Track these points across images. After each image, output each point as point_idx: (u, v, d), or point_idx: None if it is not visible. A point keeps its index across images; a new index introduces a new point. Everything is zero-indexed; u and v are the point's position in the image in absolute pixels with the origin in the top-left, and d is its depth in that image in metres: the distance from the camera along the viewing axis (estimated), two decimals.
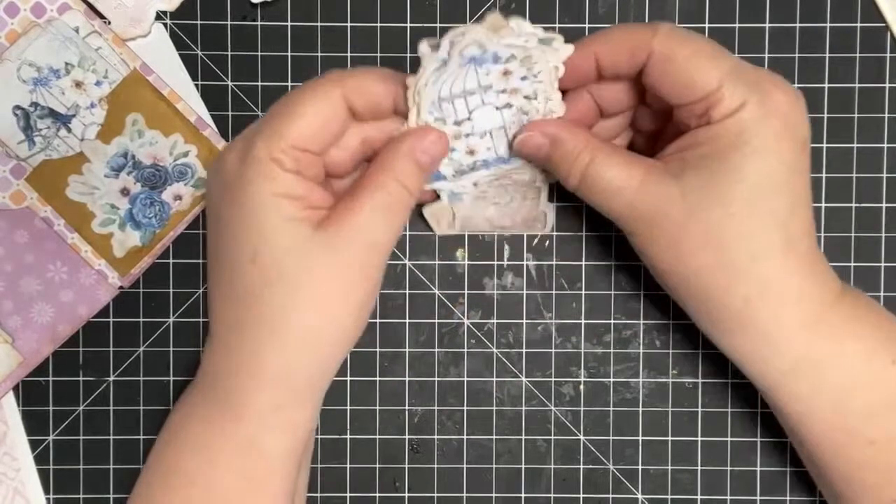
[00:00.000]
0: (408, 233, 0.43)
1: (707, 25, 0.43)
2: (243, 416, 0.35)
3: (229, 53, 0.43)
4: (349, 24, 0.43)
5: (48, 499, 0.43)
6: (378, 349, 0.44)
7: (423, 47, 0.34)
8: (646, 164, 0.36)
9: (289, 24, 0.43)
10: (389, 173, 0.35)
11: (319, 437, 0.44)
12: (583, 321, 0.44)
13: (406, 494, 0.44)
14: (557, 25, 0.43)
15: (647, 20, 0.43)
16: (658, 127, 0.39)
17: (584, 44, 0.36)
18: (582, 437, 0.44)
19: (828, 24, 0.43)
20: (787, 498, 0.44)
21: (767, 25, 0.43)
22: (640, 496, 0.44)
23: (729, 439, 0.44)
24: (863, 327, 0.36)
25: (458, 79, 0.36)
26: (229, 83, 0.43)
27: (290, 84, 0.43)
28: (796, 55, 0.43)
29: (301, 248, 0.34)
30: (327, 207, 0.35)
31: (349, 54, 0.43)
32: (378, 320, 0.44)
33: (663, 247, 0.36)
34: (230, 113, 0.43)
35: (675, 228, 0.35)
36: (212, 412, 0.36)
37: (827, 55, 0.43)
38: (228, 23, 0.43)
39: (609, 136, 0.40)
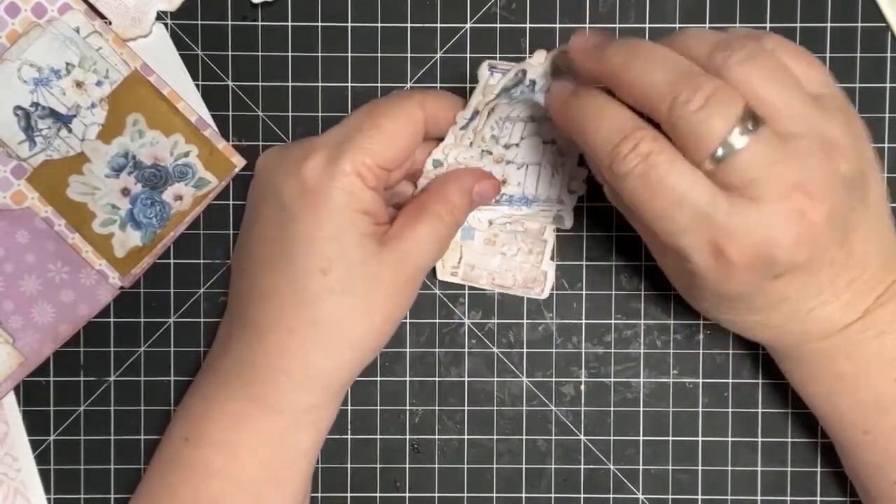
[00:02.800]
0: None
1: (707, 25, 0.43)
2: (276, 413, 0.36)
3: (230, 53, 0.43)
4: (349, 24, 0.43)
5: (49, 499, 0.43)
6: None
7: (484, 71, 0.36)
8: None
9: (289, 24, 0.43)
10: (447, 205, 0.37)
11: None
12: (583, 321, 0.44)
13: (407, 494, 0.44)
14: (557, 25, 0.43)
15: (647, 20, 0.43)
16: None
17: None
18: (582, 437, 0.44)
19: (828, 24, 0.43)
20: (788, 498, 0.44)
21: (768, 25, 0.43)
22: (640, 496, 0.44)
23: (729, 439, 0.44)
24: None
25: (526, 104, 0.38)
26: (229, 83, 0.43)
27: (290, 84, 0.43)
28: None
29: (368, 263, 0.35)
30: (387, 222, 0.37)
31: (349, 54, 0.43)
32: None
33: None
34: (230, 113, 0.43)
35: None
36: (240, 409, 0.37)
37: (827, 55, 0.43)
38: (229, 23, 0.43)
39: None
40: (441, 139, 0.38)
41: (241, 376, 0.37)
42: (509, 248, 0.42)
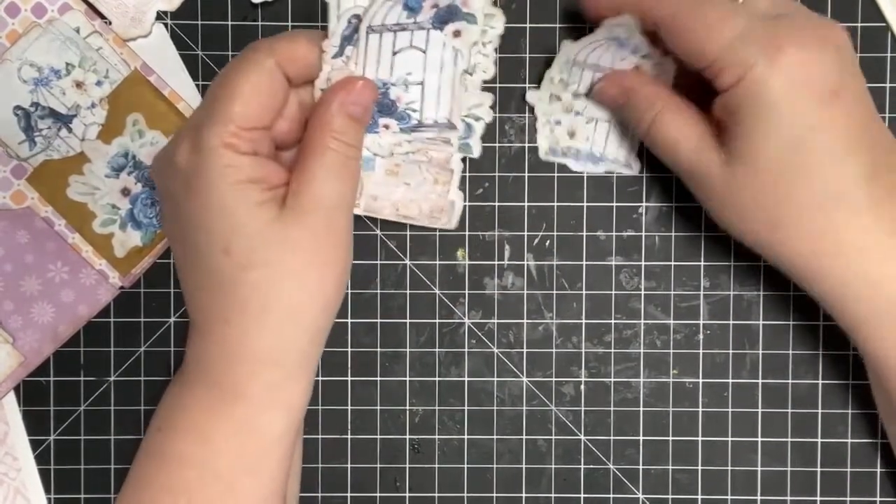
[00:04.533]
0: (408, 233, 0.43)
1: None
2: (240, 400, 0.35)
3: (230, 53, 0.43)
4: None
5: (49, 499, 0.43)
6: (379, 349, 0.44)
7: None
8: (701, 128, 0.37)
9: (289, 24, 0.43)
10: (327, 133, 0.35)
11: (320, 436, 0.44)
12: (583, 321, 0.44)
13: (407, 494, 0.44)
14: (557, 25, 0.43)
15: None
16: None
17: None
18: (582, 437, 0.44)
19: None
20: (788, 498, 0.44)
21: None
22: (640, 496, 0.44)
23: (729, 439, 0.44)
24: None
25: (597, 50, 0.37)
26: None
27: None
28: None
29: (271, 230, 0.34)
30: (284, 183, 0.35)
31: None
32: (379, 320, 0.44)
33: (719, 207, 0.37)
34: None
35: (723, 192, 0.36)
36: (207, 398, 0.36)
37: None
38: (229, 23, 0.43)
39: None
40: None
41: (203, 365, 0.36)
42: (413, 179, 0.40)
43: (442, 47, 0.37)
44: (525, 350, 0.44)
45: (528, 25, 0.43)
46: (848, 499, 0.43)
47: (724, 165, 0.36)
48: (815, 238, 0.36)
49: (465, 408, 0.44)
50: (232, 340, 0.35)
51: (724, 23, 0.34)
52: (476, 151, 0.40)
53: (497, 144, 0.43)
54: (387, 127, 0.39)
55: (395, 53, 0.37)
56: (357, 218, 0.39)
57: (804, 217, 0.35)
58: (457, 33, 0.36)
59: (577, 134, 0.40)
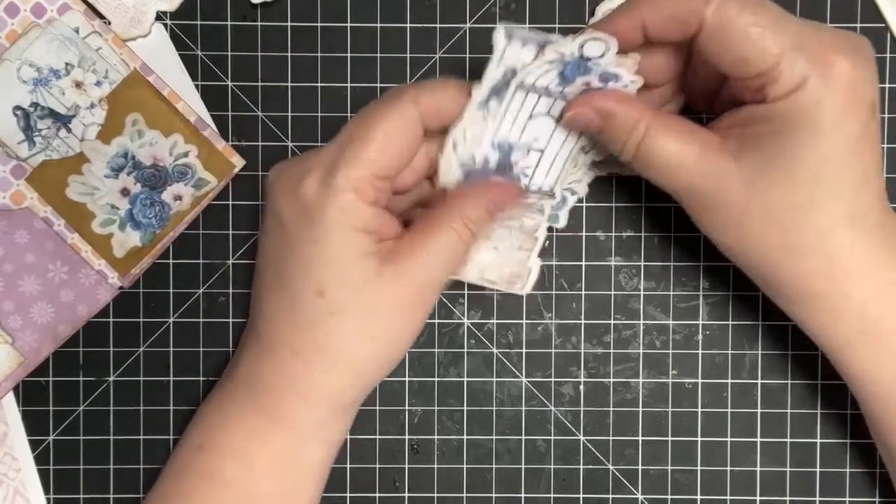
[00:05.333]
0: None
1: None
2: (289, 429, 0.36)
3: (229, 53, 0.43)
4: (349, 25, 0.43)
5: (48, 499, 0.44)
6: None
7: (500, 36, 0.33)
8: (702, 140, 0.34)
9: (289, 24, 0.43)
10: (459, 217, 0.35)
11: None
12: (583, 321, 0.44)
13: (406, 494, 0.44)
14: (557, 26, 0.43)
15: None
16: (712, 88, 0.37)
17: (631, 9, 0.34)
18: (582, 438, 0.44)
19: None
20: (787, 498, 0.44)
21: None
22: (640, 496, 0.44)
23: (729, 439, 0.44)
24: None
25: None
26: (229, 83, 0.43)
27: (289, 84, 0.43)
28: None
29: (368, 283, 0.34)
30: (394, 236, 0.35)
31: (349, 54, 0.43)
32: None
33: (724, 225, 0.35)
34: (230, 113, 0.43)
35: (735, 209, 0.34)
36: (255, 422, 0.37)
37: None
38: (228, 23, 0.43)
39: (656, 105, 0.37)
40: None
41: (254, 388, 0.37)
42: (502, 243, 0.41)
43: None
44: (524, 350, 0.44)
45: (527, 26, 0.43)
46: (847, 499, 0.43)
47: (742, 179, 0.34)
48: (829, 258, 0.34)
49: (465, 408, 0.44)
50: (295, 373, 0.35)
51: (777, 32, 0.32)
52: (562, 223, 0.41)
53: None
54: None
55: (530, 117, 0.36)
56: None
57: (823, 238, 0.34)
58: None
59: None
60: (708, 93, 0.38)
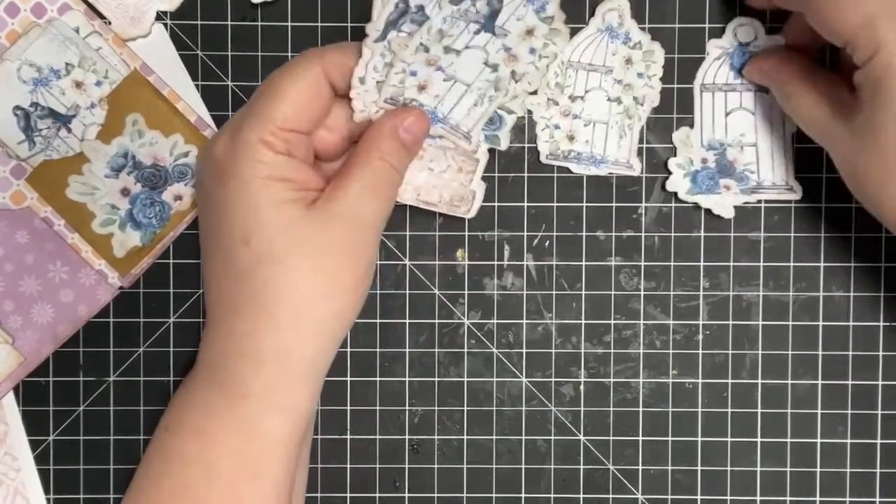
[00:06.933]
0: (408, 233, 0.43)
1: (707, 26, 0.43)
2: (242, 399, 0.35)
3: (229, 53, 0.43)
4: (349, 24, 0.43)
5: (48, 499, 0.43)
6: (378, 349, 0.44)
7: None
8: (832, 105, 0.38)
9: (289, 24, 0.43)
10: (375, 152, 0.36)
11: (319, 437, 0.44)
12: (583, 321, 0.44)
13: (406, 494, 0.44)
14: None
15: (647, 20, 0.42)
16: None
17: None
18: (582, 438, 0.44)
19: None
20: (787, 498, 0.44)
21: (767, 26, 0.42)
22: (640, 496, 0.44)
23: (729, 439, 0.44)
24: None
25: (588, 48, 0.37)
26: (229, 83, 0.43)
27: None
28: None
29: (292, 228, 0.34)
30: (319, 189, 0.36)
31: None
32: (378, 320, 0.44)
33: (848, 175, 0.38)
34: (230, 113, 0.43)
35: (851, 164, 0.38)
36: (211, 396, 0.36)
37: (827, 56, 0.43)
38: (228, 23, 0.43)
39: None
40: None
41: (210, 363, 0.36)
42: (438, 164, 0.40)
43: (769, 109, 0.42)
44: (524, 350, 0.44)
45: None
46: (847, 499, 0.43)
47: (850, 142, 0.37)
48: None
49: (465, 408, 0.44)
50: (239, 334, 0.35)
51: (856, 5, 0.35)
52: (504, 144, 0.40)
53: None
54: (727, 188, 0.42)
55: (727, 114, 0.41)
56: None
57: None
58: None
59: (577, 137, 0.41)
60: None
